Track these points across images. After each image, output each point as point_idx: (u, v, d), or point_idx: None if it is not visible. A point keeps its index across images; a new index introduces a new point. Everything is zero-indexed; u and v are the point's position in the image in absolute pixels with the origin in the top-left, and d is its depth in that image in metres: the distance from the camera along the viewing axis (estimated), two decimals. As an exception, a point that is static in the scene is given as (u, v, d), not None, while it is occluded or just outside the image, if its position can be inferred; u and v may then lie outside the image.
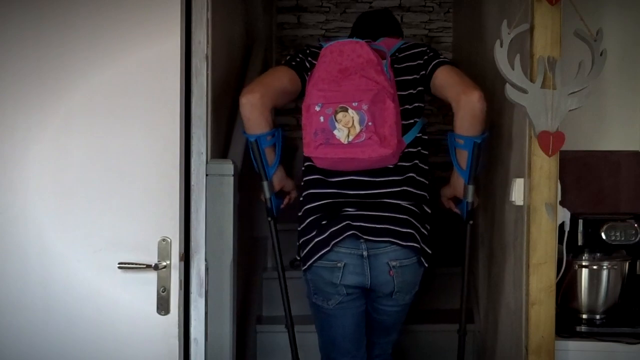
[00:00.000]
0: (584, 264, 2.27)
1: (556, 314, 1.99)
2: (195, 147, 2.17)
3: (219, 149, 2.42)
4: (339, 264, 2.21)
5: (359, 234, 2.19)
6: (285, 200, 2.43)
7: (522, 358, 2.06)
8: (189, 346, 2.16)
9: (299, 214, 2.33)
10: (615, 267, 2.26)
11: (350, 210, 2.23)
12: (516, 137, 2.21)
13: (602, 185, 2.50)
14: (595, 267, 2.27)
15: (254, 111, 2.17)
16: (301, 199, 2.34)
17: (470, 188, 2.28)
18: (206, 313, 2.18)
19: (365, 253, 2.20)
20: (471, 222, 2.33)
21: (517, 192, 2.07)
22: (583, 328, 2.22)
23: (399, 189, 2.25)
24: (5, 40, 2.02)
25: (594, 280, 2.27)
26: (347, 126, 2.06)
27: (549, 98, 1.93)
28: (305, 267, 2.26)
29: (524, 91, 1.94)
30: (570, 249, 2.25)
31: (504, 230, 2.40)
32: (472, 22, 3.20)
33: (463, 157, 2.25)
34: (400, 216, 2.22)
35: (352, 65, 2.10)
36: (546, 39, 1.95)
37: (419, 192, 2.29)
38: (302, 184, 2.34)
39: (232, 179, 2.25)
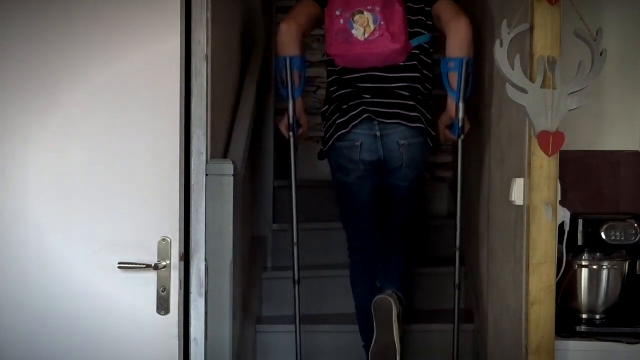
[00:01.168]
0: (584, 264, 2.26)
1: (556, 314, 1.99)
2: (195, 147, 2.18)
3: (219, 149, 2.42)
4: (357, 143, 2.66)
5: (373, 117, 2.64)
6: (301, 131, 2.78)
7: (522, 358, 2.06)
8: (189, 346, 2.16)
9: (325, 107, 2.77)
10: (615, 267, 2.26)
11: (367, 97, 2.65)
12: (516, 137, 2.21)
13: (602, 185, 2.49)
14: (595, 267, 2.26)
15: (290, 37, 2.63)
16: (326, 94, 2.79)
17: (461, 106, 2.60)
18: (206, 313, 2.18)
19: (378, 134, 2.65)
20: (462, 136, 2.64)
21: (517, 192, 2.07)
22: (583, 328, 2.22)
23: (407, 84, 2.66)
24: (5, 41, 2.02)
25: (594, 280, 2.26)
26: (363, 26, 2.51)
27: (549, 98, 1.93)
28: (329, 145, 2.71)
29: (524, 91, 1.94)
30: (570, 249, 2.25)
31: (504, 230, 2.39)
32: (472, 22, 3.19)
33: (454, 79, 2.59)
34: (409, 102, 2.65)
35: None
36: (546, 39, 1.95)
37: (424, 90, 2.70)
38: (328, 82, 2.78)
39: (232, 179, 2.25)
